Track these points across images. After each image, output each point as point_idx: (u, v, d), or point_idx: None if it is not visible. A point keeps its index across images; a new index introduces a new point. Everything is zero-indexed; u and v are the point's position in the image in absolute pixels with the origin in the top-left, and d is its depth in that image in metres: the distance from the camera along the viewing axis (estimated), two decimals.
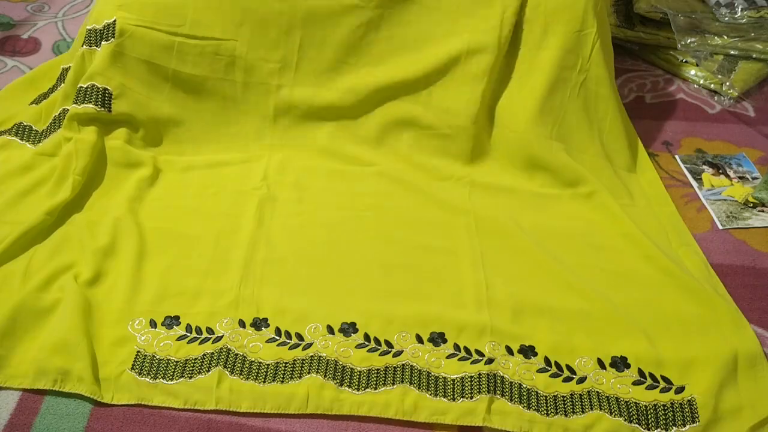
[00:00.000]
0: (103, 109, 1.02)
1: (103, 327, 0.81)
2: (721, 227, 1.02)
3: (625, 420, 0.74)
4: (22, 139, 1.07)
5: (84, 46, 1.05)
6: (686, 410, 0.75)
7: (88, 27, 1.06)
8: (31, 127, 1.09)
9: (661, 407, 0.76)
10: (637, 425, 0.74)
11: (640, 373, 0.79)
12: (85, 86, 1.02)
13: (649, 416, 0.75)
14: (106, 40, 1.03)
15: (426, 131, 1.08)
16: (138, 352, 0.79)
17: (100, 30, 1.04)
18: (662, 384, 0.78)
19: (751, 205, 1.06)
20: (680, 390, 0.77)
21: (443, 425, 0.74)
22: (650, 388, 0.78)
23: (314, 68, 1.08)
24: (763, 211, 1.04)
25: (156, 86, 1.06)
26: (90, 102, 1.01)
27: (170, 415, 0.74)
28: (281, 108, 1.09)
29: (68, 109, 1.03)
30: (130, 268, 0.87)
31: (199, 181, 1.03)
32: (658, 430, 0.74)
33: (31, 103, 1.14)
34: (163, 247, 0.91)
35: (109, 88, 1.03)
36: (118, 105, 1.03)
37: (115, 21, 1.03)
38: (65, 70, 1.12)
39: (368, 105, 1.08)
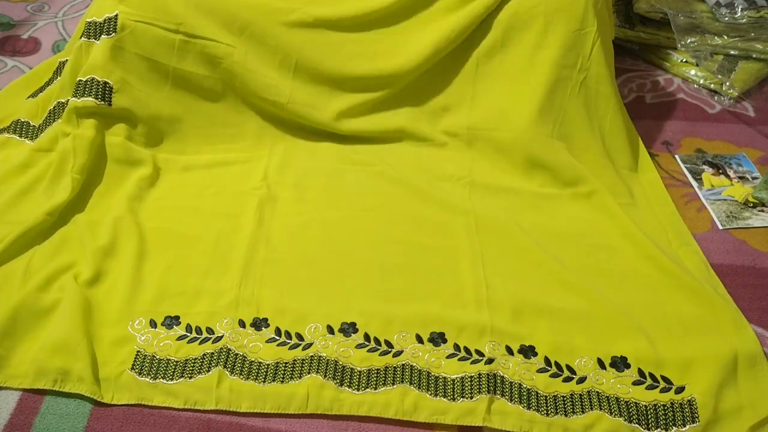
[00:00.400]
0: (103, 102, 1.00)
1: (103, 327, 0.81)
2: (721, 227, 1.02)
3: (625, 420, 0.74)
4: (20, 136, 1.06)
5: (82, 38, 1.04)
6: (686, 410, 0.75)
7: (88, 20, 1.04)
8: (29, 123, 1.08)
9: (661, 407, 0.76)
10: (637, 425, 0.74)
11: (640, 373, 0.79)
12: (84, 80, 1.01)
13: (649, 416, 0.75)
14: (107, 35, 1.01)
15: (425, 140, 1.09)
16: (138, 352, 0.79)
17: (101, 23, 1.03)
18: (662, 384, 0.78)
19: (751, 205, 1.05)
20: (680, 390, 0.77)
21: (443, 425, 0.74)
22: (650, 388, 0.78)
23: (310, 92, 1.07)
24: (763, 210, 1.04)
25: (156, 84, 1.05)
26: (90, 95, 0.99)
27: (170, 415, 0.74)
28: (278, 122, 1.09)
29: (63, 102, 1.02)
30: (130, 268, 0.87)
31: (199, 181, 1.02)
32: (658, 430, 0.74)
33: (28, 98, 1.14)
34: (163, 247, 0.91)
35: (109, 81, 1.01)
36: (118, 99, 1.01)
37: (116, 15, 1.02)
38: (62, 64, 1.11)
39: (367, 123, 1.10)
